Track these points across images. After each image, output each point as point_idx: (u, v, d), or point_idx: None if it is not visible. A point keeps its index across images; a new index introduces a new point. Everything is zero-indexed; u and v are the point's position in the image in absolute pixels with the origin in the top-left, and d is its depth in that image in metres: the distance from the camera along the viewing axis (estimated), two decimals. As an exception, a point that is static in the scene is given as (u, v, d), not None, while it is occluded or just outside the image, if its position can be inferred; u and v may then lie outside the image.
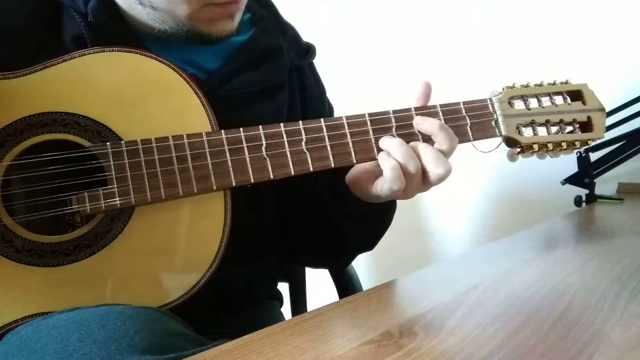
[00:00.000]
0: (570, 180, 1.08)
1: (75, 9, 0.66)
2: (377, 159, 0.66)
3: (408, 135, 0.68)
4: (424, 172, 0.65)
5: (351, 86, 1.52)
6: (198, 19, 0.66)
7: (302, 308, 1.03)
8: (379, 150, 0.67)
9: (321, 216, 0.77)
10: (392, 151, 0.65)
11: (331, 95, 0.91)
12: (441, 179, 0.65)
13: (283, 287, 0.97)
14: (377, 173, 0.66)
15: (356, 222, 0.75)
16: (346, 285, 0.96)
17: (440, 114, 0.69)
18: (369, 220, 0.76)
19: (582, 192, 1.09)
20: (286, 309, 0.96)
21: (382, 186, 0.65)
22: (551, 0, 1.26)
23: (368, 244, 0.82)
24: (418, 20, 1.47)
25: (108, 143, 0.60)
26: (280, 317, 0.89)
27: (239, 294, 0.78)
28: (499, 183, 1.31)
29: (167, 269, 0.62)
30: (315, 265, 0.94)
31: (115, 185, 0.59)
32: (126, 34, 0.68)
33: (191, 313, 0.59)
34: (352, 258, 0.86)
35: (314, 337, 0.45)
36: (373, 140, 0.67)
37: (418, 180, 0.65)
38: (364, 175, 0.69)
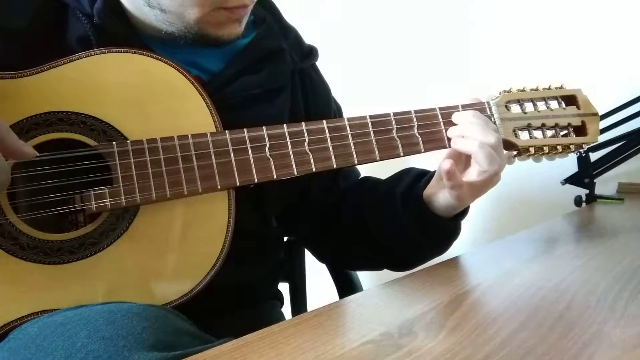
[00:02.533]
0: (570, 180, 1.08)
1: (81, 10, 0.66)
2: (378, 160, 0.67)
3: (408, 137, 0.69)
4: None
5: (351, 87, 1.52)
6: (206, 22, 0.67)
7: (302, 308, 1.02)
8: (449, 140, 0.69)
9: (391, 224, 0.77)
10: (481, 137, 0.66)
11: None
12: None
13: (283, 287, 0.97)
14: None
15: (434, 239, 0.76)
16: (346, 285, 0.96)
17: (440, 116, 0.70)
18: (444, 237, 0.77)
19: (582, 192, 1.09)
20: (286, 309, 0.95)
21: (477, 172, 0.66)
22: (551, 1, 1.26)
23: (438, 253, 0.81)
24: (418, 23, 1.47)
25: (114, 142, 0.60)
26: (280, 318, 0.89)
27: (241, 293, 0.78)
28: (499, 183, 1.31)
29: (171, 268, 0.62)
30: (367, 268, 0.94)
31: (121, 184, 0.60)
32: (131, 36, 0.68)
33: (193, 312, 0.60)
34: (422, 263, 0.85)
35: (314, 337, 0.45)
36: (374, 142, 0.68)
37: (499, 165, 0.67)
38: (437, 188, 0.71)
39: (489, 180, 0.68)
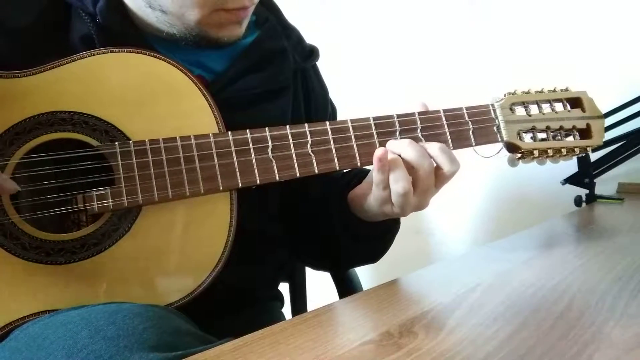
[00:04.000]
0: (570, 180, 1.08)
1: (84, 10, 0.67)
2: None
3: (412, 139, 0.69)
4: (436, 170, 0.65)
5: (350, 88, 1.52)
6: (207, 24, 0.67)
7: (302, 308, 1.03)
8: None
9: (326, 224, 0.77)
10: (403, 151, 0.64)
11: (332, 97, 0.91)
12: (452, 175, 0.66)
13: (283, 287, 0.97)
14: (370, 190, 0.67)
15: (356, 239, 0.76)
16: (346, 285, 0.96)
17: (444, 118, 0.70)
18: (369, 239, 0.77)
19: (582, 192, 1.09)
20: (286, 309, 0.95)
21: (377, 193, 0.65)
22: (552, 2, 1.26)
23: (369, 258, 0.83)
24: (420, 25, 1.47)
25: (116, 143, 0.60)
26: (281, 318, 0.89)
27: (242, 294, 0.78)
28: (499, 183, 1.32)
29: (173, 269, 0.62)
30: (317, 268, 0.95)
31: (123, 185, 0.60)
32: (134, 36, 0.68)
33: (193, 313, 0.60)
34: (353, 267, 0.87)
35: (314, 337, 0.46)
36: (377, 144, 0.68)
37: (430, 181, 0.64)
38: (363, 191, 0.70)
39: (402, 202, 0.64)
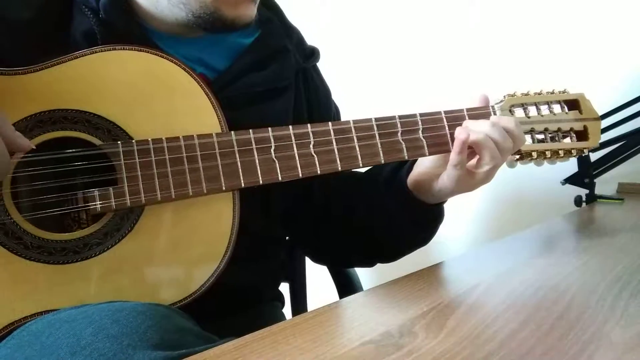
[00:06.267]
0: (570, 180, 1.09)
1: (87, 5, 0.67)
2: (382, 162, 0.68)
3: (413, 140, 0.69)
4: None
5: (350, 88, 1.52)
6: (223, 1, 0.67)
7: (303, 308, 1.03)
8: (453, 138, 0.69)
9: (382, 224, 0.78)
10: (489, 131, 0.67)
11: (333, 97, 0.91)
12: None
13: (283, 287, 0.97)
14: (440, 170, 0.70)
15: (420, 225, 0.77)
16: (346, 285, 0.96)
17: (444, 119, 0.71)
18: (429, 223, 0.78)
19: (582, 192, 1.09)
20: (287, 309, 0.96)
21: (480, 166, 0.68)
22: (552, 2, 1.26)
23: (421, 243, 0.83)
24: (420, 26, 1.47)
25: (119, 142, 0.60)
26: (281, 318, 0.89)
27: (244, 294, 0.78)
28: (498, 183, 1.31)
29: (175, 269, 0.62)
30: (339, 263, 0.95)
31: (126, 184, 0.60)
32: (137, 31, 0.68)
33: (195, 313, 0.60)
34: (403, 254, 0.86)
35: (314, 337, 0.46)
36: (379, 144, 0.68)
37: (505, 157, 0.69)
38: (427, 175, 0.72)
39: (485, 175, 0.69)
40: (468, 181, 0.69)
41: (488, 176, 0.69)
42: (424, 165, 0.73)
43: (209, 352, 0.44)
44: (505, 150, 0.68)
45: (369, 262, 0.89)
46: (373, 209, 0.78)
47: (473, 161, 0.69)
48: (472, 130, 0.67)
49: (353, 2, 1.61)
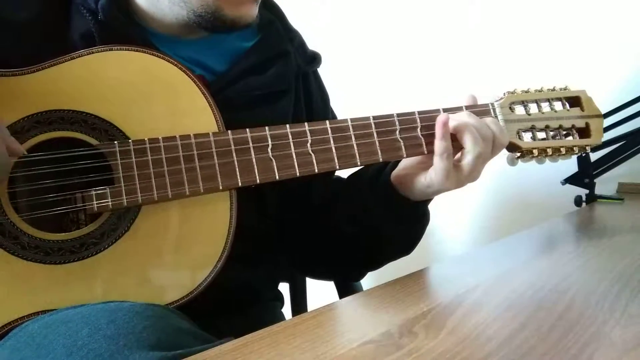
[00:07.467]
0: (570, 180, 1.08)
1: (85, 6, 0.67)
2: (380, 161, 0.67)
3: (411, 138, 0.69)
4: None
5: (349, 87, 1.52)
6: (225, 0, 0.66)
7: (303, 308, 1.03)
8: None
9: (364, 224, 0.76)
10: (466, 120, 0.67)
11: (331, 97, 0.91)
12: (503, 147, 0.71)
13: (283, 287, 0.97)
14: (425, 165, 0.69)
15: (400, 221, 0.75)
16: (346, 285, 0.96)
17: None
18: (410, 221, 0.76)
19: (582, 192, 1.09)
20: (287, 309, 0.96)
21: (464, 156, 0.67)
22: (552, 2, 1.26)
23: (407, 247, 0.80)
24: (420, 25, 1.47)
25: (116, 142, 0.60)
26: (281, 318, 0.89)
27: (242, 294, 0.78)
28: (499, 183, 1.32)
29: (172, 268, 0.62)
30: (323, 275, 0.93)
31: (123, 184, 0.60)
32: (135, 33, 0.68)
33: (193, 312, 0.60)
34: (387, 261, 0.84)
35: (314, 337, 0.45)
36: (377, 143, 0.68)
37: (489, 149, 0.68)
38: (412, 170, 0.71)
39: (471, 168, 0.67)
40: (456, 175, 0.67)
41: (475, 170, 0.67)
42: (407, 160, 0.72)
43: (209, 352, 0.43)
44: (486, 138, 0.67)
45: (356, 270, 0.87)
46: (356, 208, 0.76)
47: (458, 155, 0.68)
48: (451, 117, 0.67)
49: (353, 2, 1.60)
